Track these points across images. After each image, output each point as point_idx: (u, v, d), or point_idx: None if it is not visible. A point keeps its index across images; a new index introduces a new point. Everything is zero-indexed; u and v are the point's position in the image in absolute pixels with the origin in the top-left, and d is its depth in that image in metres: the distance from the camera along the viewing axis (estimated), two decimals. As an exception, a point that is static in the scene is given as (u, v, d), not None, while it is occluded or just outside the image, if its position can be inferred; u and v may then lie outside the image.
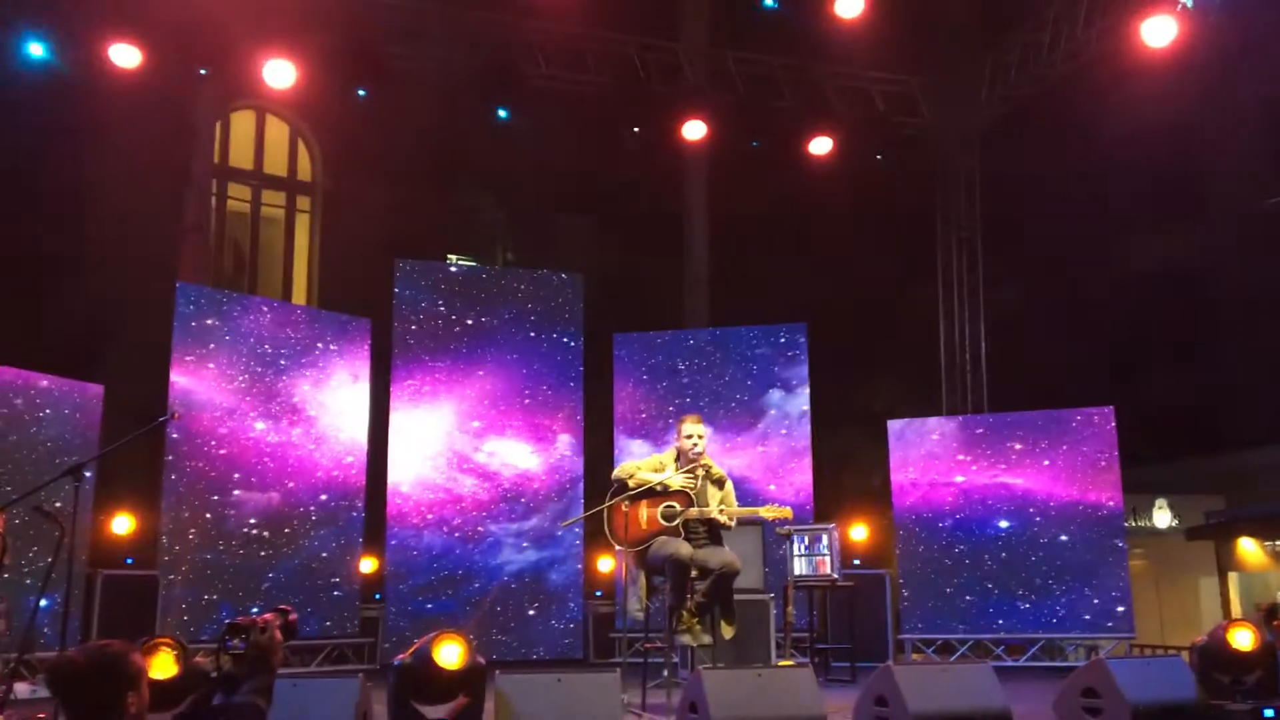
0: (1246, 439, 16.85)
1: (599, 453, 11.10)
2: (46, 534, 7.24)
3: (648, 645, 6.65)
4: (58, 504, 7.12)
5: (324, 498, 10.05)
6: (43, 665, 7.53)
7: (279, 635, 3.18)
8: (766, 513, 6.56)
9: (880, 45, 12.60)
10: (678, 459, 6.62)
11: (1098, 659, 5.65)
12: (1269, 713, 5.30)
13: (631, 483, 6.38)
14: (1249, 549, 14.75)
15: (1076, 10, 11.46)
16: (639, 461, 6.66)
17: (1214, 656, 5.70)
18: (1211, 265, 18.42)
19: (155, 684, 5.00)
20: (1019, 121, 14.10)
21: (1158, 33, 10.38)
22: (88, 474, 8.29)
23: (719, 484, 6.57)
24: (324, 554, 9.96)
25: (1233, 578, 15.05)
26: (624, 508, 6.35)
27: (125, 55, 10.18)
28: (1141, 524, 15.60)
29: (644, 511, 6.41)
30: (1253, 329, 17.94)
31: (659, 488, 6.37)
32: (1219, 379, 18.25)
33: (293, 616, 3.31)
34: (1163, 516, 15.86)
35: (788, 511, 6.59)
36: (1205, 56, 11.40)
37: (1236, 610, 14.53)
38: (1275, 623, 10.59)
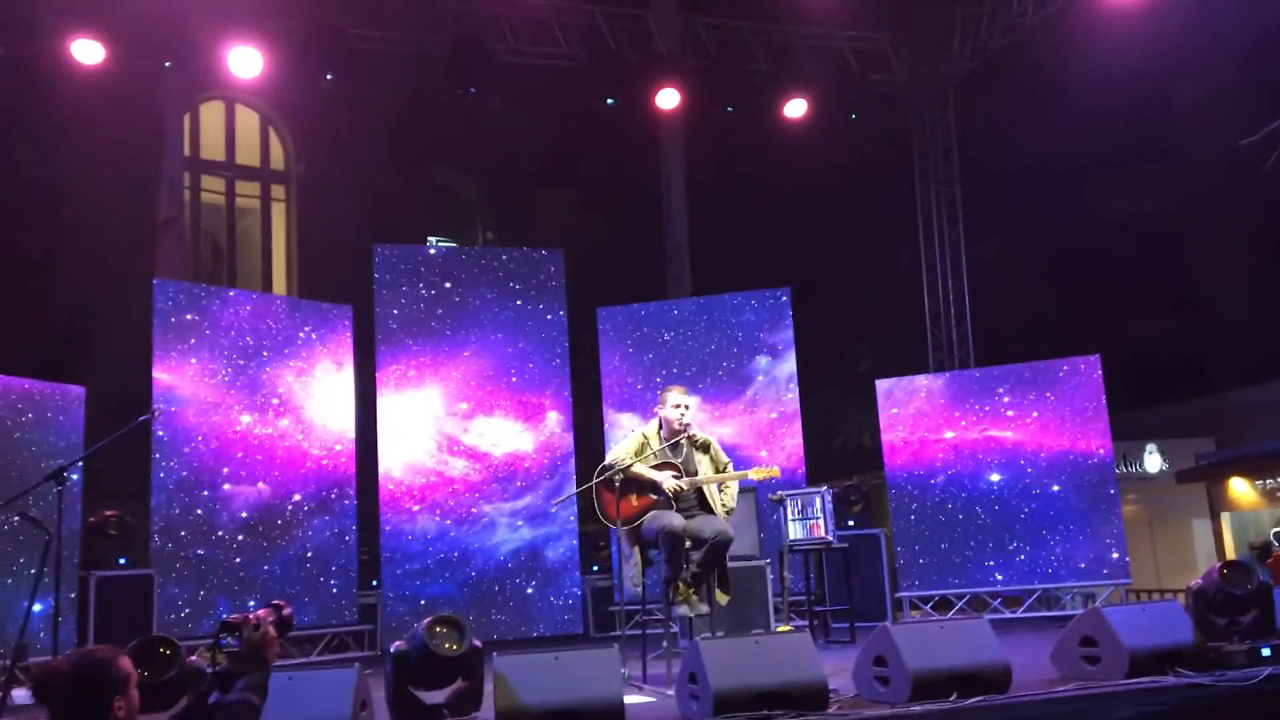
0: (1233, 379, 16.93)
1: (588, 427, 11.08)
2: (36, 539, 7.18)
3: (645, 619, 6.65)
4: (41, 509, 7.05)
5: (315, 487, 10.01)
6: (29, 674, 7.50)
7: (273, 631, 3.17)
8: (755, 474, 6.54)
9: (850, 3, 12.51)
10: (660, 429, 6.59)
11: (1094, 607, 5.65)
12: (1265, 651, 5.31)
13: (623, 474, 6.32)
14: (1240, 489, 14.84)
15: (1045, -42, 11.39)
16: (626, 446, 6.60)
17: (1209, 599, 5.72)
18: (1190, 208, 18.46)
19: (153, 684, 4.99)
20: (992, 73, 14.04)
21: (1128, -23, 10.31)
22: (74, 477, 8.24)
23: (704, 449, 6.55)
24: (319, 543, 9.93)
25: (1225, 518, 15.14)
26: (615, 487, 6.31)
27: (88, 51, 10.02)
28: (1132, 470, 15.67)
29: (633, 492, 6.40)
30: (1233, 269, 17.99)
31: (648, 482, 6.36)
32: (1202, 321, 18.32)
33: (286, 611, 3.30)
34: (1153, 461, 15.93)
35: (775, 470, 6.58)
36: (1177, 1, 11.35)
37: (1230, 551, 14.63)
38: (1269, 560, 10.69)
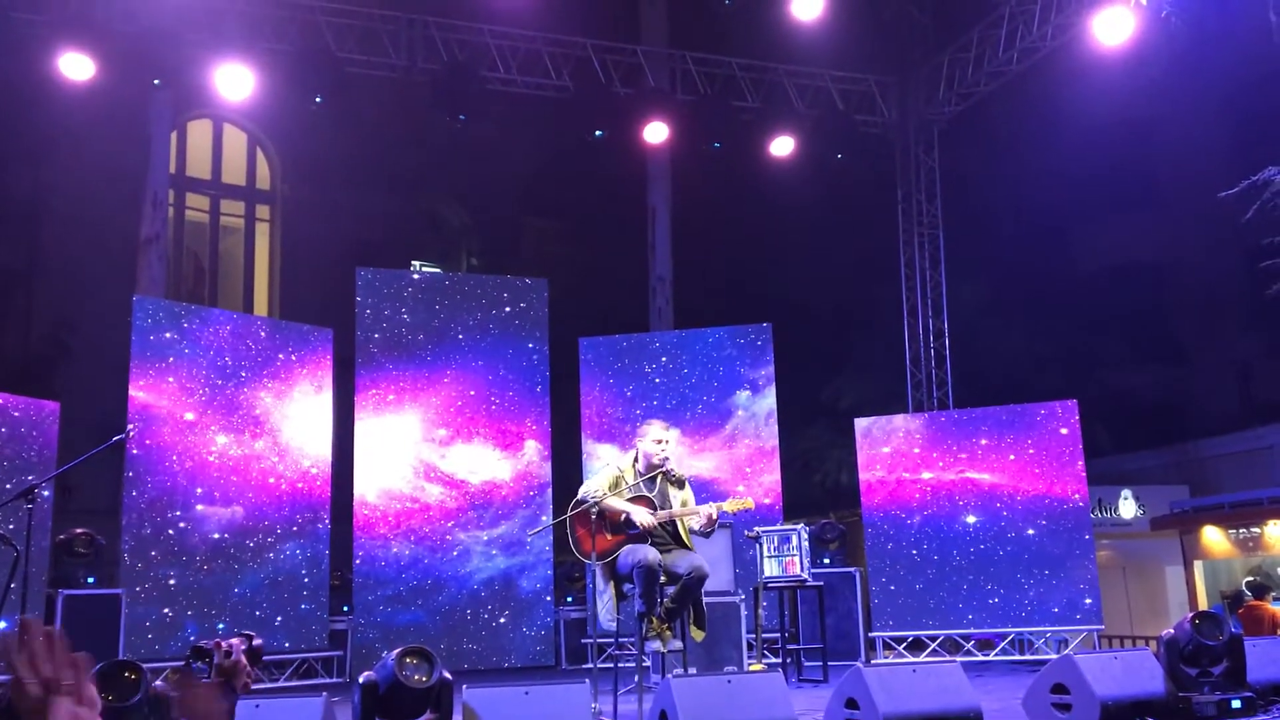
0: (1209, 428, 17.04)
1: (566, 457, 11.05)
2: (3, 556, 7.10)
3: (617, 653, 6.61)
4: (11, 526, 6.99)
5: (289, 510, 9.93)
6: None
7: (244, 660, 3.14)
8: (729, 506, 6.50)
9: (839, 44, 12.64)
10: (636, 462, 6.57)
11: (1066, 654, 5.66)
12: (1236, 703, 5.32)
13: (598, 508, 6.28)
14: (1213, 538, 14.89)
15: (1032, 7, 11.53)
16: (601, 479, 6.56)
17: (1181, 649, 5.72)
18: (1172, 256, 18.65)
19: (117, 709, 4.91)
20: (977, 118, 14.19)
21: (1112, 28, 10.44)
22: (46, 493, 8.16)
23: (679, 485, 6.53)
24: (290, 567, 9.85)
25: (1198, 566, 15.18)
26: (590, 518, 6.28)
27: (77, 66, 10.00)
28: (1107, 515, 15.71)
29: (607, 526, 6.36)
30: (1213, 319, 18.16)
31: (623, 518, 6.31)
32: (1180, 369, 18.47)
33: (257, 641, 3.28)
34: (1128, 507, 15.98)
35: (749, 501, 6.54)
36: (1159, 52, 11.51)
37: (1203, 599, 14.67)
38: (1240, 610, 10.71)
